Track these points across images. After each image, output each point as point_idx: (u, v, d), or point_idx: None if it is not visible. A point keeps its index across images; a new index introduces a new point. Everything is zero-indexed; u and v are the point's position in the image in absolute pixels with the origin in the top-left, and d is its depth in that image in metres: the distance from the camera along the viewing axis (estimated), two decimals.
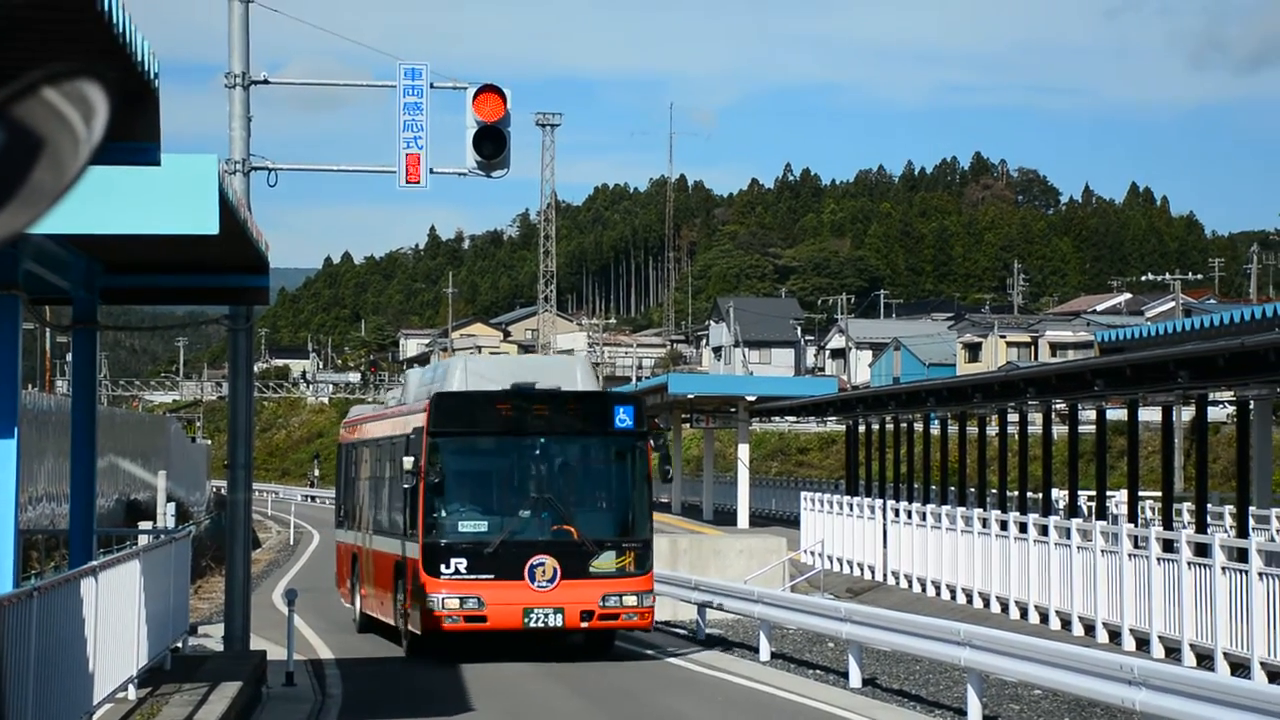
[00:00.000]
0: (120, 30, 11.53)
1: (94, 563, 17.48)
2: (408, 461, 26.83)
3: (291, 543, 70.84)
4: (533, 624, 26.63)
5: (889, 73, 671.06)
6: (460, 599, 26.41)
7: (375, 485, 32.05)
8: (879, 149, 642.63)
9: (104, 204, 15.02)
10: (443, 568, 26.46)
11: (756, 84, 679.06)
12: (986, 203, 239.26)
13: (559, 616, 26.61)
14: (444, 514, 26.79)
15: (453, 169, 26.15)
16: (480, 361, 31.30)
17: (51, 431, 38.99)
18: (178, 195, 15.57)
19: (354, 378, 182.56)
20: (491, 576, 26.45)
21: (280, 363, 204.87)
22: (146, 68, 12.43)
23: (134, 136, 14.00)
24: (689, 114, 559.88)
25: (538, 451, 27.47)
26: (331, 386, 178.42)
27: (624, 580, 27.05)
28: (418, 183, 25.95)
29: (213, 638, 27.38)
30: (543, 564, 26.59)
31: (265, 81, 25.97)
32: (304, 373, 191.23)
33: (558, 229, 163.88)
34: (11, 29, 11.48)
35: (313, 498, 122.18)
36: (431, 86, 26.12)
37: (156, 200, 15.49)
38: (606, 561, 27.06)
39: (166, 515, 32.64)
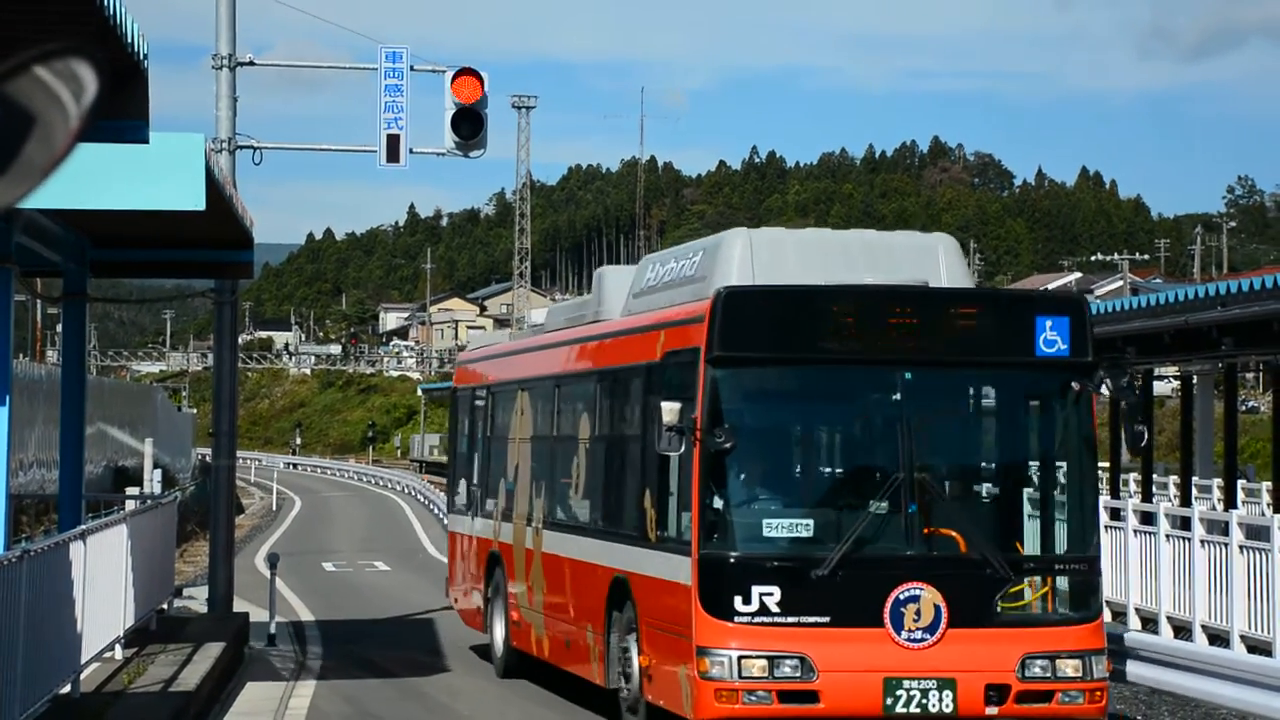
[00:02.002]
0: (111, 11, 11.79)
1: (82, 527, 17.75)
2: (668, 411, 15.20)
3: (274, 509, 71.25)
4: (901, 708, 15.29)
5: (853, 59, 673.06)
6: (769, 660, 15.18)
7: (553, 450, 20.51)
8: (841, 133, 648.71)
9: (94, 180, 15.30)
10: (737, 602, 15.18)
11: (728, 68, 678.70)
12: (944, 185, 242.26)
13: (948, 696, 15.33)
14: (737, 506, 15.59)
15: (432, 149, 26.44)
16: (773, 238, 17.21)
17: (42, 400, 39.37)
18: (166, 172, 15.90)
19: (335, 349, 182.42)
20: (825, 620, 15.27)
21: (264, 335, 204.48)
22: (136, 48, 12.70)
23: (124, 115, 14.19)
24: (661, 97, 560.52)
25: (901, 396, 15.76)
26: (313, 358, 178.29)
27: (1057, 631, 15.69)
28: (398, 162, 26.15)
29: (197, 600, 27.53)
30: (915, 598, 15.30)
31: (251, 63, 26.36)
32: (287, 345, 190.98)
33: (533, 207, 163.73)
34: (3, 10, 11.74)
35: (294, 465, 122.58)
36: (411, 69, 26.37)
37: (145, 177, 15.84)
38: (1025, 596, 15.85)
39: (153, 481, 32.98)
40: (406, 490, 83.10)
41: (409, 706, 19.98)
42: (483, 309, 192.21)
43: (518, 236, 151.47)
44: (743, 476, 15.75)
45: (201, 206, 16.02)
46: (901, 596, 15.29)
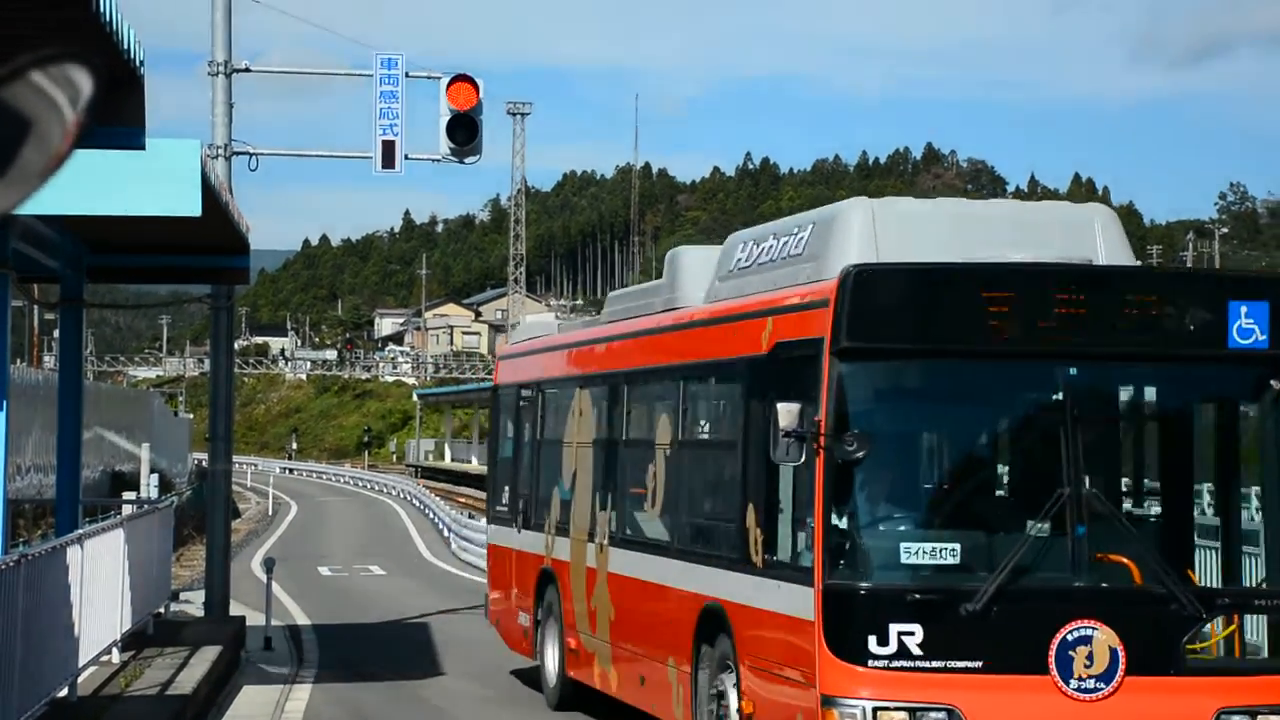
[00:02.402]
0: (107, 17, 11.84)
1: (79, 531, 17.86)
2: (785, 413, 12.79)
3: (270, 513, 71.30)
4: None
5: (847, 66, 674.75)
6: (910, 712, 12.78)
7: (622, 456, 18.22)
8: (835, 139, 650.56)
9: (91, 186, 15.37)
10: (871, 643, 12.73)
11: (723, 76, 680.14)
12: (937, 191, 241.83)
13: None
14: (870, 526, 13.17)
15: (427, 155, 26.44)
16: (900, 210, 14.45)
17: (39, 405, 39.40)
18: (162, 178, 15.95)
19: (331, 355, 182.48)
20: (978, 665, 12.79)
21: (260, 340, 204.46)
22: (132, 54, 12.74)
23: (120, 121, 14.28)
24: (656, 104, 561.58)
25: (1065, 396, 13.25)
26: (309, 364, 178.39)
27: (1258, 680, 13.18)
28: (393, 168, 26.14)
29: (194, 604, 27.63)
30: (1087, 639, 12.82)
31: (246, 70, 26.42)
32: (283, 350, 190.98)
33: (527, 213, 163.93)
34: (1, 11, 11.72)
35: (291, 470, 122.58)
36: (407, 75, 26.37)
37: (141, 183, 15.88)
38: (1211, 636, 13.27)
39: (150, 486, 32.99)
40: (402, 495, 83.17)
41: (404, 710, 20.05)
42: (478, 315, 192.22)
43: (513, 242, 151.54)
44: (876, 491, 13.22)
45: (198, 212, 16.09)
46: (1070, 637, 12.74)
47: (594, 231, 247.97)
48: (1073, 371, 13.18)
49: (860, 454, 12.64)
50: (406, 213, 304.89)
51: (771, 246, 15.35)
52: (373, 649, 25.62)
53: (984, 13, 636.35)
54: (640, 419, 17.95)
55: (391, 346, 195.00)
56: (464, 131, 25.84)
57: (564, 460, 19.85)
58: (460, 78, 25.89)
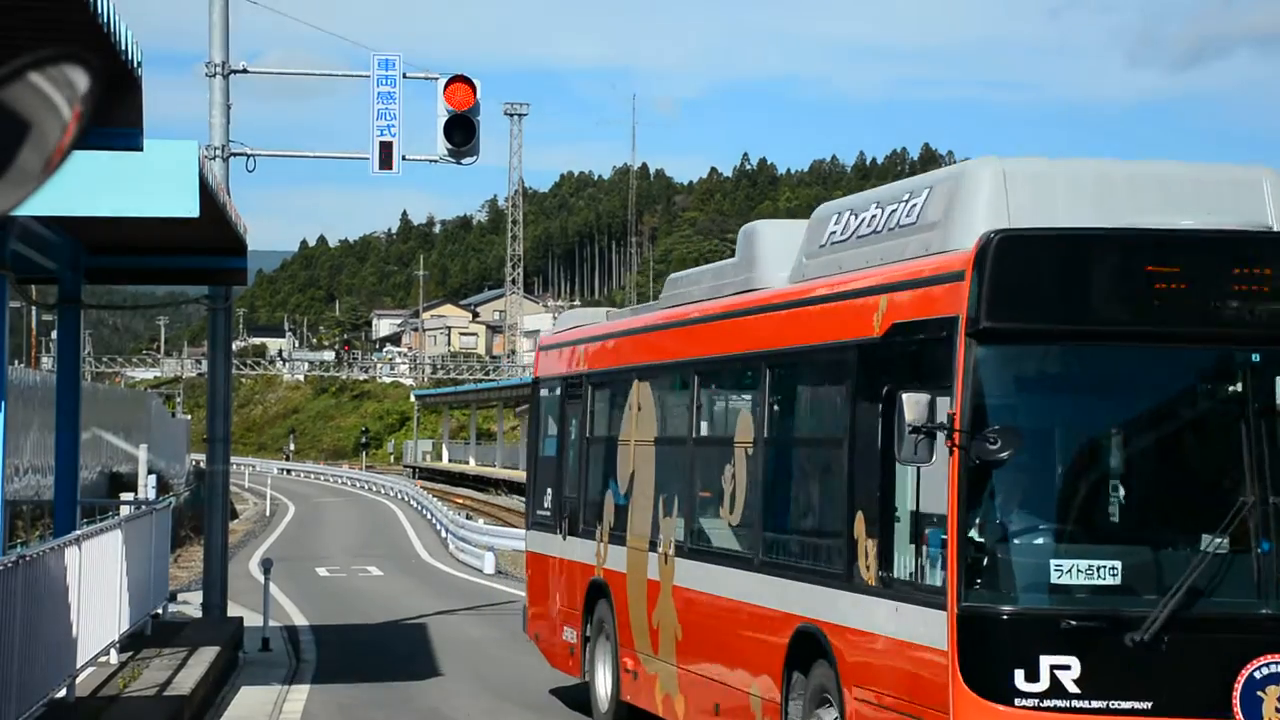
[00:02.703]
0: (104, 18, 11.86)
1: (77, 532, 17.85)
2: (912, 406, 11.01)
3: (268, 514, 71.37)
4: None
5: (844, 67, 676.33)
6: None
7: (692, 456, 16.24)
8: (833, 140, 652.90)
9: (89, 187, 15.48)
10: (1018, 678, 10.92)
11: (719, 76, 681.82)
12: None
13: None
14: (1016, 539, 11.26)
15: (424, 156, 26.47)
16: (1035, 171, 12.33)
17: (37, 406, 39.41)
18: (160, 179, 16.04)
19: (328, 356, 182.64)
20: (1147, 707, 10.96)
21: (257, 341, 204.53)
22: (130, 55, 12.74)
23: (117, 122, 14.28)
24: (653, 105, 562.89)
25: (1246, 386, 11.49)
26: (307, 365, 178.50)
27: None
28: (391, 169, 26.20)
29: (192, 605, 27.67)
30: (1278, 678, 11.01)
31: (244, 71, 26.45)
32: (280, 351, 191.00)
33: (525, 214, 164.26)
34: None
35: (288, 471, 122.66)
36: (404, 76, 26.44)
37: (139, 184, 15.98)
38: None
39: (147, 487, 32.98)
40: (400, 496, 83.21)
41: (402, 711, 20.06)
42: (475, 315, 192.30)
43: (510, 243, 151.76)
44: (1021, 497, 11.25)
45: (195, 213, 16.13)
46: (1258, 675, 10.88)
47: (591, 232, 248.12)
48: (1255, 358, 11.32)
49: (1004, 453, 10.82)
50: (404, 214, 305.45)
51: (875, 217, 13.43)
52: (370, 650, 25.62)
53: (982, 14, 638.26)
54: (714, 413, 16.22)
55: (389, 347, 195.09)
56: (461, 132, 25.87)
57: (619, 460, 17.92)
58: (457, 78, 25.92)
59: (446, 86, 25.88)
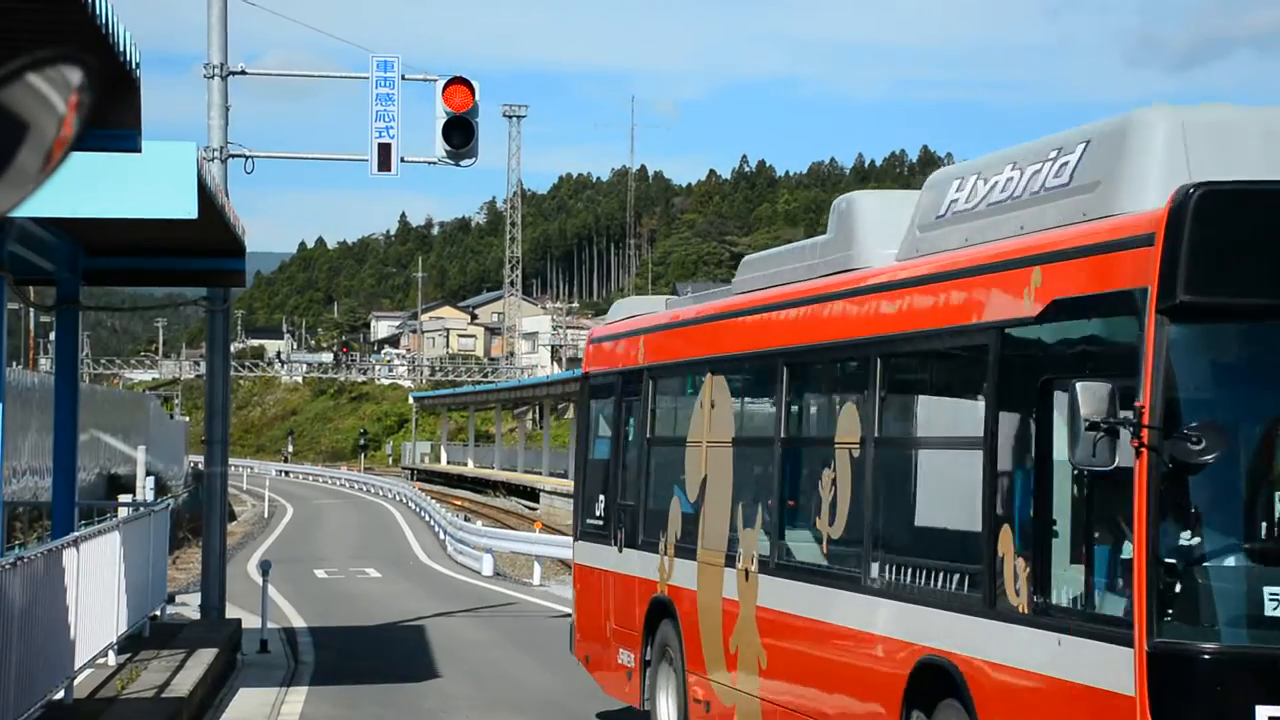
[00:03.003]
0: (102, 20, 11.86)
1: (76, 534, 17.78)
2: (1089, 396, 9.08)
3: (266, 516, 71.40)
4: None
5: (843, 68, 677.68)
6: None
7: (782, 458, 14.09)
8: (831, 142, 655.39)
9: (86, 188, 15.44)
10: None
11: (719, 78, 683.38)
12: None
13: None
14: (1221, 561, 9.21)
15: (423, 158, 26.41)
16: (1216, 120, 10.04)
17: (35, 408, 39.45)
18: (158, 181, 16.03)
19: (327, 358, 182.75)
20: None
21: (256, 343, 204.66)
22: (128, 56, 12.75)
23: (116, 123, 14.28)
24: (651, 107, 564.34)
25: None
26: (305, 366, 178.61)
27: None
28: (389, 171, 26.18)
29: (190, 606, 27.60)
30: None
31: (243, 72, 26.44)
32: (279, 353, 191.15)
33: (523, 216, 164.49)
34: None
35: (287, 473, 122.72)
36: (403, 78, 26.40)
37: (137, 185, 15.95)
38: None
39: (146, 488, 33.01)
40: (398, 498, 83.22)
41: (400, 713, 20.05)
42: (474, 317, 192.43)
43: (509, 245, 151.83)
44: (1225, 509, 9.28)
45: (193, 215, 16.12)
46: None
47: (590, 234, 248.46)
48: None
49: (1208, 455, 8.93)
50: (402, 215, 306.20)
51: (1010, 180, 11.39)
52: (368, 651, 25.61)
53: (980, 15, 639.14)
54: (808, 410, 14.27)
55: (387, 349, 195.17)
56: (460, 134, 25.84)
57: (687, 463, 15.93)
58: (456, 80, 25.90)
59: (445, 88, 25.86)
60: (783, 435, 14.02)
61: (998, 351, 10.56)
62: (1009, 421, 10.32)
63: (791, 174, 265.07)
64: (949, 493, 11.48)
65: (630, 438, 17.61)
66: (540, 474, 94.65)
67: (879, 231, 13.26)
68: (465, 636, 27.21)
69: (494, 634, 27.46)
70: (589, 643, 18.44)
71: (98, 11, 11.73)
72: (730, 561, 14.60)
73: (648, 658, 16.58)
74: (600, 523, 18.07)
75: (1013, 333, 10.45)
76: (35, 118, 3.66)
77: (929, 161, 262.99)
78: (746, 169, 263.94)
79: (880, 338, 12.34)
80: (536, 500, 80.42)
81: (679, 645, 15.77)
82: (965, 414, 11.23)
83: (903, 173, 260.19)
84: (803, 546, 13.60)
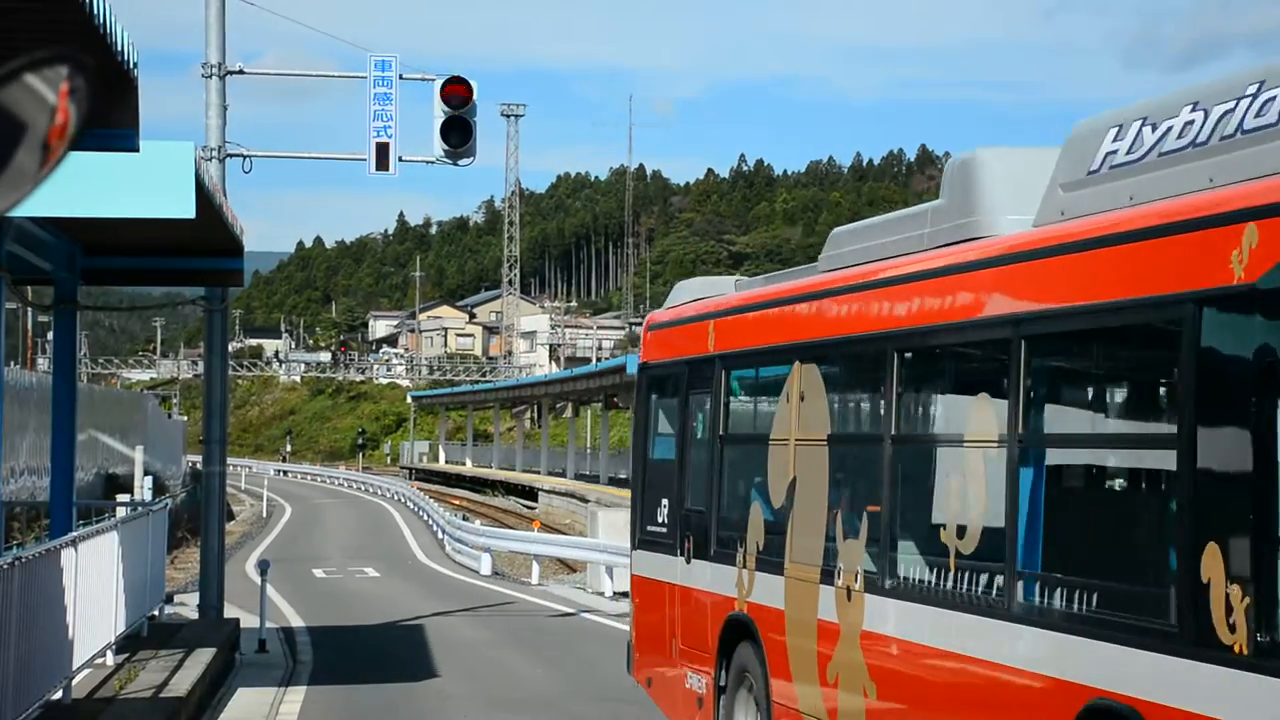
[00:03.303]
0: (100, 19, 11.87)
1: (74, 534, 17.76)
2: None
3: (264, 515, 71.40)
4: None
5: (841, 68, 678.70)
6: None
7: (894, 459, 11.83)
8: (829, 141, 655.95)
9: (85, 188, 15.48)
10: None
11: (717, 77, 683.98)
12: (931, 193, 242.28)
13: None
14: None
15: (421, 157, 26.45)
16: None
17: (33, 407, 39.45)
18: (156, 180, 16.07)
19: (325, 357, 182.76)
20: None
21: (254, 342, 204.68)
22: (126, 56, 12.77)
23: (114, 123, 14.29)
24: (649, 106, 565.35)
25: None
26: (303, 366, 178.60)
27: None
28: (387, 170, 26.24)
29: (188, 606, 27.61)
30: None
31: (240, 72, 26.44)
32: (277, 352, 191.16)
33: (521, 215, 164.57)
34: None
35: (285, 472, 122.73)
36: (400, 78, 26.46)
37: (135, 185, 15.99)
38: None
39: (144, 488, 33.01)
40: (396, 497, 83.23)
41: (398, 712, 20.04)
42: (472, 317, 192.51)
43: (507, 244, 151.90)
44: None
45: (191, 214, 16.12)
46: None
47: (588, 233, 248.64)
48: None
49: None
50: (400, 215, 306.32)
51: (1190, 124, 9.21)
52: (367, 651, 25.62)
53: (978, 15, 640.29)
54: (928, 402, 12.26)
55: (385, 349, 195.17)
56: (458, 133, 25.85)
57: (770, 464, 13.93)
58: (454, 79, 25.91)
59: (443, 87, 25.87)
60: (893, 433, 11.85)
61: (1192, 328, 8.41)
62: (1213, 413, 8.25)
63: (789, 173, 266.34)
64: (1129, 502, 9.75)
65: (700, 435, 15.59)
66: (539, 473, 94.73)
67: (1007, 193, 11.18)
68: (463, 636, 27.21)
69: (492, 633, 27.46)
70: (650, 664, 16.41)
71: (96, 11, 11.73)
72: (828, 578, 12.56)
73: (723, 683, 14.57)
74: (663, 530, 16.08)
75: (1218, 305, 8.29)
76: (33, 118, 3.66)
77: (927, 160, 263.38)
78: (744, 168, 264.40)
79: (1024, 315, 10.14)
80: (535, 499, 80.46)
81: (762, 672, 13.76)
82: (1146, 406, 9.74)
83: (900, 172, 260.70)
84: (923, 562, 11.40)
